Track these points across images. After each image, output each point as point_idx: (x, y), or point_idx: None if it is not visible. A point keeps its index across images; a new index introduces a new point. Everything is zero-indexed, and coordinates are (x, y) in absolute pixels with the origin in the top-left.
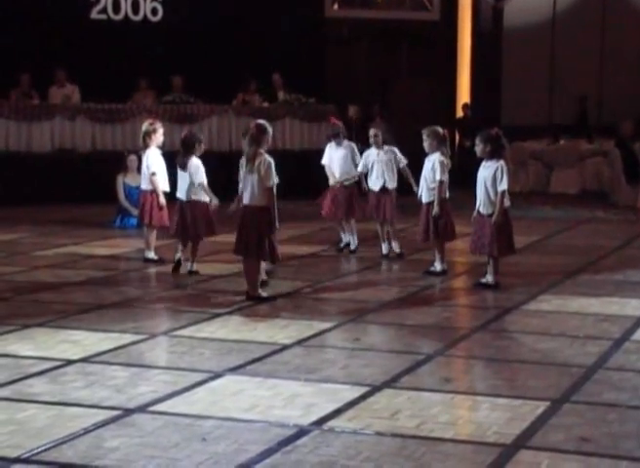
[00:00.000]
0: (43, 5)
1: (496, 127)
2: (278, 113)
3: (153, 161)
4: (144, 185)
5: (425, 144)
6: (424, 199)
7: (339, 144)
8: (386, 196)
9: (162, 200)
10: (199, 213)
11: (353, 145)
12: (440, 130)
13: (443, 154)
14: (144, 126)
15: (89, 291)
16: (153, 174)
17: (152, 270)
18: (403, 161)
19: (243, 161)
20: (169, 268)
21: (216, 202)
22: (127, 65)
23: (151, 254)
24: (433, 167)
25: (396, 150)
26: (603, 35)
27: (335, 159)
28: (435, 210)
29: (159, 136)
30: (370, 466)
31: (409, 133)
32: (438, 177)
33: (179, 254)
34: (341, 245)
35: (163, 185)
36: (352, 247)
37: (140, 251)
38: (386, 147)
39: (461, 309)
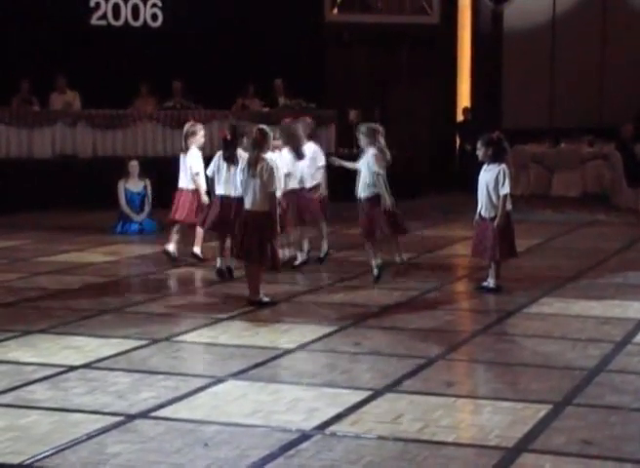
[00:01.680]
0: (43, 11)
1: (497, 130)
2: (279, 118)
3: (195, 161)
4: (183, 184)
5: (360, 140)
6: (364, 194)
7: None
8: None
9: (205, 198)
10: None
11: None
12: (374, 125)
13: (378, 148)
14: (185, 127)
15: (90, 297)
16: (197, 174)
17: (153, 276)
18: None
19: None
20: (170, 273)
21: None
22: (127, 71)
23: (197, 250)
24: (368, 162)
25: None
26: (603, 37)
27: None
28: (387, 203)
29: (199, 138)
30: None
31: (409, 136)
32: (375, 170)
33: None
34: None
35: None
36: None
37: (140, 257)
38: None
39: (463, 313)
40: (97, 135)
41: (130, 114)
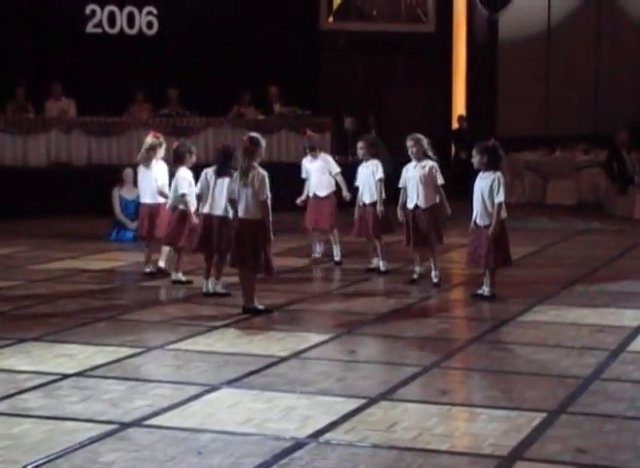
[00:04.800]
0: (39, 18)
1: (492, 138)
2: (274, 125)
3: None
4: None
5: (361, 152)
6: (368, 200)
7: (314, 157)
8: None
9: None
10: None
11: (329, 158)
12: (373, 140)
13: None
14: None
15: (85, 304)
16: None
17: (148, 283)
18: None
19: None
20: (165, 281)
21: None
22: (123, 79)
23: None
24: (373, 171)
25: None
26: (598, 45)
27: (311, 171)
28: (379, 208)
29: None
30: None
31: (404, 144)
32: (378, 176)
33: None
34: (315, 255)
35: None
36: (337, 258)
37: (134, 264)
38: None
39: (458, 321)
40: (92, 142)
41: (125, 121)
